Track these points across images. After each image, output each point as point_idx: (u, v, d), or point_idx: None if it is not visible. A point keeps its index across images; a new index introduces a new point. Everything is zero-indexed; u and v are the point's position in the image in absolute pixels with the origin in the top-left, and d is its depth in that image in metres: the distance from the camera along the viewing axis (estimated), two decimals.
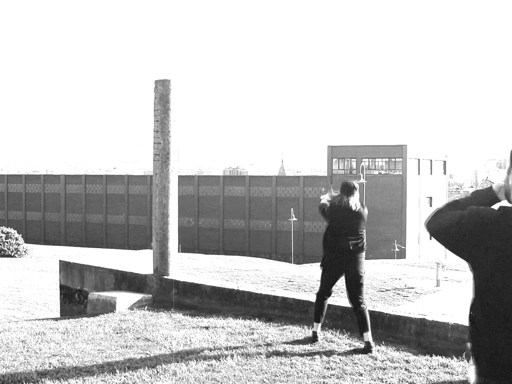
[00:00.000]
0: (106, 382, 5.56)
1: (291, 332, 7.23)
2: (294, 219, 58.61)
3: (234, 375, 5.72)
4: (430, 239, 63.72)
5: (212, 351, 6.48)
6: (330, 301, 7.11)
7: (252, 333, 7.16)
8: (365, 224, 6.90)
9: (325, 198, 7.03)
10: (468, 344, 2.55)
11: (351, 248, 6.70)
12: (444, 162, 69.18)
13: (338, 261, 6.76)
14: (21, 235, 30.39)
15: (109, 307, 8.80)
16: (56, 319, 8.96)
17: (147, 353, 6.44)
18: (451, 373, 5.77)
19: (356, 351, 6.46)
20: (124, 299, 8.95)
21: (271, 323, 7.63)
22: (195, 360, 6.16)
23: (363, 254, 6.82)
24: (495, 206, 2.71)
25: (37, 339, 7.17)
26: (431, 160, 65.81)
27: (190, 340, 6.90)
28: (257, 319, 7.86)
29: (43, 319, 9.26)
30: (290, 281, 11.28)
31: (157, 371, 5.81)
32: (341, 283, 9.32)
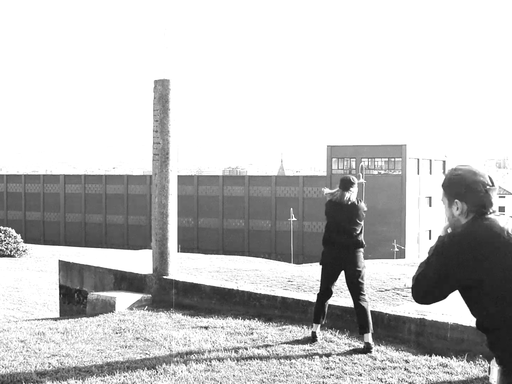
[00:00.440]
0: (106, 382, 5.56)
1: (290, 332, 7.23)
2: (294, 219, 58.60)
3: (234, 375, 5.72)
4: (430, 238, 63.76)
5: (212, 351, 6.48)
6: (330, 301, 7.11)
7: (252, 333, 7.16)
8: (362, 218, 6.86)
9: (326, 191, 7.04)
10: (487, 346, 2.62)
11: (346, 243, 6.69)
12: (444, 162, 69.20)
13: (335, 257, 6.75)
14: (20, 235, 30.34)
15: (108, 307, 8.80)
16: (55, 319, 8.95)
17: (146, 353, 6.43)
18: (451, 373, 5.77)
19: (356, 351, 6.45)
20: (124, 299, 8.94)
21: (271, 323, 7.63)
22: (195, 360, 6.16)
23: (361, 249, 6.79)
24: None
25: (37, 339, 7.17)
26: (430, 160, 65.83)
27: (190, 340, 6.90)
28: (256, 319, 7.85)
29: (42, 319, 9.26)
30: (289, 281, 11.27)
31: (157, 371, 5.81)
32: (340, 283, 9.32)
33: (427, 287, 2.71)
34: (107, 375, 5.71)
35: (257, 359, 6.18)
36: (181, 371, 5.81)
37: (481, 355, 6.06)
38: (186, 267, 13.38)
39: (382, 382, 5.57)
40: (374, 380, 5.60)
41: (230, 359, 6.16)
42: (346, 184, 6.80)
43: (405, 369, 5.88)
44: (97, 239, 72.11)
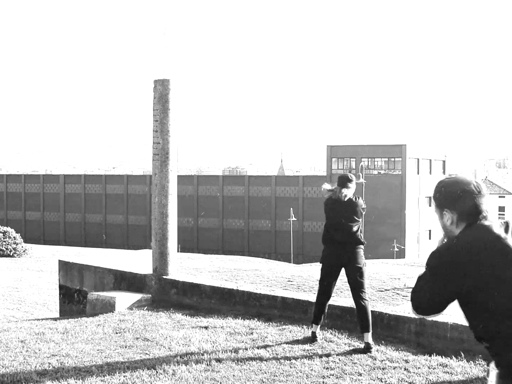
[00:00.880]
0: (106, 382, 5.56)
1: (290, 332, 7.22)
2: (294, 218, 58.61)
3: (234, 375, 5.72)
4: (430, 238, 63.75)
5: (212, 351, 6.47)
6: (330, 301, 7.10)
7: (252, 333, 7.16)
8: (360, 215, 6.86)
9: (325, 186, 7.04)
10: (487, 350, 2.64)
11: (345, 240, 6.68)
12: (444, 161, 69.20)
13: (335, 254, 6.74)
14: (20, 235, 30.33)
15: (108, 307, 8.79)
16: (55, 319, 8.95)
17: (146, 353, 6.43)
18: (451, 373, 5.77)
19: (356, 351, 6.45)
20: (124, 299, 8.94)
21: (271, 323, 7.63)
22: (195, 360, 6.16)
23: (361, 246, 6.78)
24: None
25: (36, 339, 7.16)
26: (430, 160, 65.82)
27: (190, 340, 6.90)
28: (256, 319, 7.85)
29: (42, 319, 9.25)
30: (289, 281, 11.27)
31: (157, 371, 5.81)
32: (340, 283, 9.32)
33: (425, 298, 2.79)
34: (107, 375, 5.71)
35: (257, 359, 6.18)
36: (181, 371, 5.81)
37: (480, 356, 6.06)
38: (186, 267, 13.39)
39: (382, 382, 5.57)
40: (374, 380, 5.60)
41: (230, 359, 6.16)
42: (343, 181, 6.81)
43: (405, 369, 5.88)
44: (97, 239, 72.11)
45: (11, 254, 28.26)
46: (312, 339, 6.81)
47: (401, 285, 10.86)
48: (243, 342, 6.82)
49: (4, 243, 28.34)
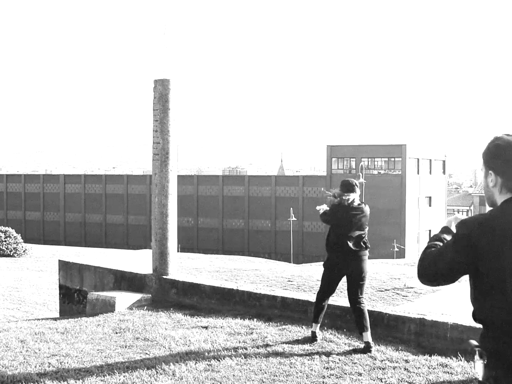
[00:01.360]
0: (106, 382, 5.56)
1: (290, 332, 7.22)
2: (294, 218, 58.57)
3: (233, 375, 5.71)
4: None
5: (212, 351, 6.47)
6: (329, 301, 7.11)
7: (251, 333, 7.16)
8: (367, 221, 6.88)
9: (322, 208, 7.03)
10: (472, 342, 2.62)
11: (353, 247, 6.68)
12: (444, 161, 69.17)
13: (342, 261, 6.72)
14: (20, 234, 30.32)
15: (108, 307, 8.79)
16: (55, 319, 8.95)
17: (146, 353, 6.43)
18: (451, 373, 5.77)
19: (356, 351, 6.45)
20: (124, 299, 8.94)
21: (270, 323, 7.63)
22: (194, 360, 6.16)
23: (367, 252, 6.80)
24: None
25: (36, 339, 7.16)
26: (430, 160, 65.79)
27: (189, 340, 6.90)
28: (256, 319, 7.85)
29: (42, 319, 9.25)
30: (289, 281, 11.27)
31: (156, 371, 5.81)
32: (340, 283, 9.31)
33: (439, 265, 2.59)
34: (107, 375, 5.71)
35: (257, 359, 6.18)
36: (181, 371, 5.80)
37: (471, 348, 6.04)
38: (186, 267, 13.39)
39: (382, 382, 5.57)
40: (374, 380, 5.60)
41: (230, 359, 6.16)
42: (351, 187, 6.81)
43: (405, 369, 5.88)
44: (97, 239, 72.10)
45: (11, 254, 28.26)
46: (312, 338, 6.81)
47: (401, 285, 10.86)
48: (243, 342, 6.82)
49: (4, 242, 28.33)
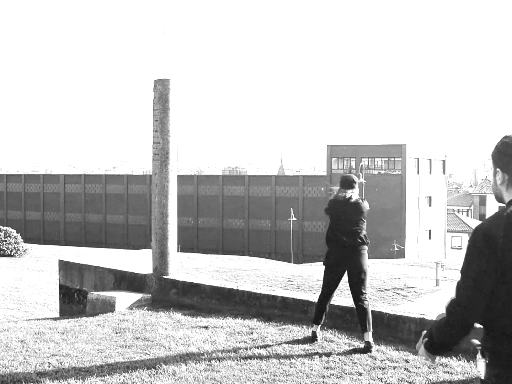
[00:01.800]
0: (106, 381, 5.56)
1: (290, 331, 7.22)
2: (294, 218, 58.57)
3: (234, 375, 5.71)
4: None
5: (212, 350, 6.47)
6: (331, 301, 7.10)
7: (252, 333, 7.16)
8: (365, 217, 6.87)
9: (332, 187, 7.09)
10: (474, 341, 2.63)
11: (352, 242, 6.68)
12: (444, 161, 69.15)
13: (340, 256, 6.72)
14: (20, 234, 30.33)
15: (108, 307, 8.79)
16: (55, 319, 8.95)
17: (146, 353, 6.43)
18: (451, 373, 5.77)
19: (356, 350, 6.45)
20: (124, 299, 8.94)
21: (271, 323, 7.63)
22: (195, 359, 6.16)
23: (366, 247, 6.80)
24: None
25: (36, 339, 7.16)
26: (430, 160, 65.78)
27: (190, 340, 6.90)
28: (256, 318, 7.85)
29: (42, 319, 9.26)
30: (289, 280, 11.27)
31: (157, 371, 5.81)
32: (341, 283, 9.31)
33: (470, 289, 2.54)
34: (107, 375, 5.71)
35: (257, 359, 6.18)
36: (181, 371, 5.80)
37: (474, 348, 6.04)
38: (186, 267, 13.38)
39: (382, 381, 5.57)
40: (374, 380, 5.60)
41: (230, 359, 6.16)
42: (349, 183, 6.83)
43: (405, 368, 5.88)
44: (97, 239, 72.09)
45: (11, 254, 28.26)
46: (312, 338, 6.81)
47: (401, 285, 10.86)
48: (243, 342, 6.81)
49: (4, 242, 28.34)
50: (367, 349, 6.40)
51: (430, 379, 5.60)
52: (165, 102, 9.29)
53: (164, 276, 9.25)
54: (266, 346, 6.61)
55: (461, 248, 72.95)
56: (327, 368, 5.92)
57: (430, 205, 64.75)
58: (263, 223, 66.74)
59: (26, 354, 6.50)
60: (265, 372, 5.79)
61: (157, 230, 9.35)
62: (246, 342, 6.78)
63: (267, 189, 66.96)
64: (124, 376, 5.66)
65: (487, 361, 2.56)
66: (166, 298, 9.12)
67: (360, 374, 5.75)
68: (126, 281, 9.67)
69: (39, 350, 6.65)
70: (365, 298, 6.67)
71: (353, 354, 6.33)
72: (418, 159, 63.30)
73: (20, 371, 5.84)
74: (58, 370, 5.87)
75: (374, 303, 8.42)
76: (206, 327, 7.48)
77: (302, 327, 7.35)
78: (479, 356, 2.61)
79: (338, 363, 6.07)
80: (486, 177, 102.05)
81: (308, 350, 6.50)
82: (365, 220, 6.84)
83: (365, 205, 6.85)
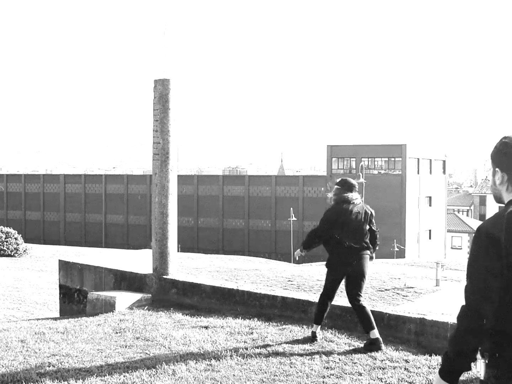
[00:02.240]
0: (106, 381, 5.56)
1: (290, 331, 7.22)
2: (294, 218, 58.58)
3: (234, 375, 5.71)
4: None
5: (212, 350, 6.47)
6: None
7: (252, 333, 7.16)
8: (368, 220, 6.89)
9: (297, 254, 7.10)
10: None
11: (358, 246, 6.69)
12: (444, 161, 69.15)
13: (348, 260, 6.71)
14: (20, 234, 30.33)
15: (108, 306, 8.79)
16: (55, 319, 8.95)
17: (146, 353, 6.43)
18: None
19: (356, 350, 6.45)
20: (124, 298, 8.94)
21: (271, 323, 7.63)
22: (195, 359, 6.16)
23: (368, 252, 6.82)
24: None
25: (36, 338, 7.16)
26: (430, 160, 65.78)
27: (190, 340, 6.90)
28: (256, 318, 7.85)
29: (42, 319, 9.25)
30: (289, 280, 11.26)
31: (157, 371, 5.81)
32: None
33: (479, 292, 2.51)
34: (107, 374, 5.71)
35: (257, 359, 6.18)
36: (181, 371, 5.80)
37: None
38: (186, 267, 13.37)
39: (382, 381, 5.57)
40: (374, 380, 5.60)
41: (230, 359, 6.16)
42: (351, 186, 6.85)
43: (405, 368, 5.88)
44: (97, 239, 72.09)
45: (11, 254, 28.27)
46: (312, 338, 6.80)
47: (401, 285, 10.86)
48: (243, 342, 6.81)
49: (5, 243, 28.35)
50: (378, 347, 6.37)
51: (430, 379, 5.60)
52: (165, 102, 9.29)
53: (164, 276, 9.25)
54: (266, 346, 6.61)
55: (461, 248, 72.94)
56: (327, 368, 5.92)
57: (430, 205, 64.73)
58: (263, 223, 66.73)
59: (26, 354, 6.50)
60: (265, 372, 5.79)
61: (157, 230, 9.35)
62: (246, 342, 6.78)
63: (267, 189, 66.96)
64: (124, 376, 5.65)
65: (486, 362, 2.56)
66: (166, 298, 9.12)
67: (360, 374, 5.75)
68: (126, 281, 9.67)
69: (39, 350, 6.65)
70: (361, 299, 6.67)
71: (353, 354, 6.33)
72: (418, 159, 63.30)
73: (20, 371, 5.84)
74: (58, 370, 5.87)
75: (374, 303, 8.42)
76: (206, 327, 7.47)
77: (302, 327, 7.35)
78: (478, 356, 2.60)
79: (338, 363, 6.07)
80: (486, 177, 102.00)
81: (308, 350, 6.50)
82: (369, 224, 6.89)
83: (368, 209, 6.93)
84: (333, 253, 6.78)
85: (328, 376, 5.70)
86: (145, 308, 8.77)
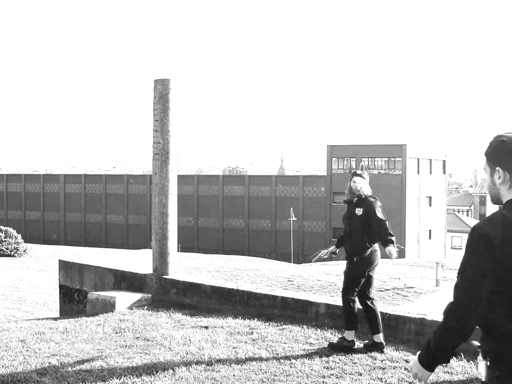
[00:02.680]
0: (106, 381, 5.55)
1: (290, 331, 7.22)
2: (294, 218, 58.58)
3: (234, 375, 5.71)
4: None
5: (212, 350, 6.47)
6: (330, 300, 7.10)
7: (252, 333, 7.16)
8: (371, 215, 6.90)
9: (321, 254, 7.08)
10: (475, 342, 2.61)
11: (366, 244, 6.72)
12: (444, 161, 69.14)
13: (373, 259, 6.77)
14: (20, 234, 30.33)
15: (108, 306, 8.79)
16: (55, 319, 8.95)
17: (146, 353, 6.43)
18: (451, 373, 5.77)
19: (356, 350, 6.45)
20: (124, 298, 8.94)
21: (271, 323, 7.63)
22: (195, 359, 6.16)
23: (368, 251, 6.82)
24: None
25: (37, 338, 7.16)
26: (430, 160, 65.78)
27: (190, 340, 6.90)
28: (256, 318, 7.85)
29: (42, 319, 9.25)
30: (289, 280, 11.26)
31: (157, 371, 5.81)
32: (340, 282, 9.30)
33: (467, 291, 2.50)
34: (107, 374, 5.71)
35: (257, 359, 6.18)
36: (181, 371, 5.80)
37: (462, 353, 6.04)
38: (186, 267, 13.37)
39: (382, 381, 5.57)
40: (374, 380, 5.60)
41: (230, 359, 6.16)
42: (356, 174, 6.98)
43: (405, 368, 5.88)
44: (97, 239, 72.09)
45: (11, 254, 28.26)
46: (351, 348, 6.51)
47: (401, 285, 10.86)
48: (243, 341, 6.81)
49: (4, 242, 28.34)
50: (380, 349, 6.37)
51: (430, 379, 5.60)
52: (165, 102, 9.29)
53: (164, 276, 9.25)
54: (266, 346, 6.61)
55: (461, 248, 72.92)
56: (327, 368, 5.92)
57: (430, 205, 64.73)
58: (263, 223, 66.74)
59: (26, 354, 6.50)
60: (265, 372, 5.79)
61: (157, 230, 9.35)
62: (246, 342, 6.78)
63: (267, 189, 66.96)
64: (124, 376, 5.66)
65: (488, 363, 2.55)
66: (166, 298, 9.12)
67: (360, 374, 5.75)
68: (126, 281, 9.67)
69: (39, 350, 6.65)
70: (374, 298, 6.70)
71: (353, 354, 6.33)
72: (418, 159, 63.30)
73: (20, 371, 5.84)
74: (58, 370, 5.87)
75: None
76: (206, 327, 7.48)
77: (302, 327, 7.35)
78: (480, 357, 2.59)
79: (338, 363, 6.07)
80: None
81: (308, 350, 6.50)
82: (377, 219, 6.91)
83: (373, 202, 6.99)
84: (367, 252, 6.67)
85: (328, 376, 5.70)
86: (145, 308, 8.77)
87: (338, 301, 7.69)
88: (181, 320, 7.91)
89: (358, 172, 6.92)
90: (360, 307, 6.68)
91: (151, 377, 5.64)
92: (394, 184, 60.60)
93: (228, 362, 6.06)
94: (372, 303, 6.61)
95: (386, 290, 10.28)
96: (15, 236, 29.03)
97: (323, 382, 5.56)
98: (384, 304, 8.57)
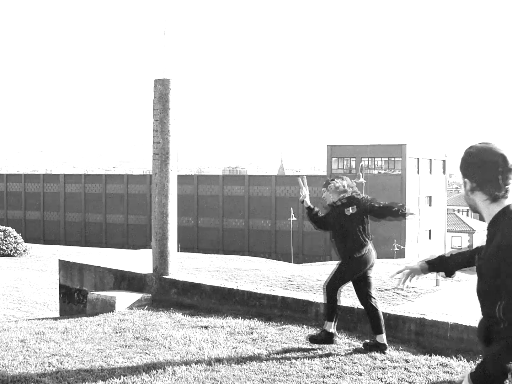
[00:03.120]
0: (106, 381, 5.56)
1: (290, 331, 7.22)
2: (294, 218, 58.60)
3: (234, 375, 5.71)
4: (430, 238, 63.66)
5: (212, 350, 6.47)
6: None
7: (252, 333, 7.16)
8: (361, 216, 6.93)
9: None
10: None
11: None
12: (444, 161, 69.17)
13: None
14: (20, 234, 30.33)
15: (108, 306, 8.79)
16: (55, 319, 8.95)
17: (146, 353, 6.43)
18: (451, 373, 5.77)
19: (356, 351, 6.45)
20: (124, 298, 8.94)
21: (271, 323, 7.63)
22: (195, 359, 6.16)
23: (363, 250, 6.83)
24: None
25: (37, 338, 7.16)
26: (430, 160, 65.81)
27: (190, 340, 6.90)
28: (256, 318, 7.85)
29: (42, 319, 9.25)
30: (289, 280, 11.27)
31: (157, 371, 5.81)
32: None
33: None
34: (107, 374, 5.71)
35: (257, 359, 6.18)
36: (181, 371, 5.80)
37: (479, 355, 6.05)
38: (186, 267, 13.39)
39: (382, 381, 5.57)
40: (374, 380, 5.60)
41: (230, 359, 6.16)
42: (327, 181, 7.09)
43: (405, 368, 5.88)
44: (97, 239, 72.10)
45: (11, 254, 28.27)
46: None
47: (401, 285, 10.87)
48: (243, 341, 6.81)
49: (4, 242, 28.34)
50: (382, 350, 6.36)
51: (430, 379, 5.60)
52: (165, 102, 9.29)
53: (164, 276, 9.25)
54: (266, 346, 6.61)
55: (461, 248, 72.90)
56: (327, 368, 5.92)
57: (430, 205, 64.74)
58: (263, 223, 66.76)
59: (26, 353, 6.50)
60: (265, 372, 5.79)
61: (157, 230, 9.35)
62: (246, 342, 6.78)
63: (267, 189, 66.97)
64: (124, 376, 5.66)
65: None
66: (166, 298, 9.12)
67: (360, 374, 5.75)
68: (126, 281, 9.67)
69: (39, 349, 6.65)
70: (375, 297, 6.69)
71: (353, 354, 6.33)
72: (418, 159, 63.33)
73: (20, 371, 5.84)
74: (58, 370, 5.87)
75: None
76: (206, 327, 7.48)
77: (302, 327, 7.35)
78: (509, 377, 2.53)
79: (338, 363, 6.07)
80: None
81: (308, 350, 6.50)
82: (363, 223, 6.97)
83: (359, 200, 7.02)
84: (361, 252, 6.74)
85: (328, 376, 5.70)
86: (145, 308, 8.77)
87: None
88: (181, 320, 7.91)
89: (329, 180, 7.13)
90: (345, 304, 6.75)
91: (151, 377, 5.64)
92: (394, 184, 60.62)
93: (228, 362, 6.06)
94: (375, 303, 6.61)
95: (386, 290, 10.28)
96: (15, 236, 29.03)
97: (323, 382, 5.56)
98: (384, 304, 8.58)
